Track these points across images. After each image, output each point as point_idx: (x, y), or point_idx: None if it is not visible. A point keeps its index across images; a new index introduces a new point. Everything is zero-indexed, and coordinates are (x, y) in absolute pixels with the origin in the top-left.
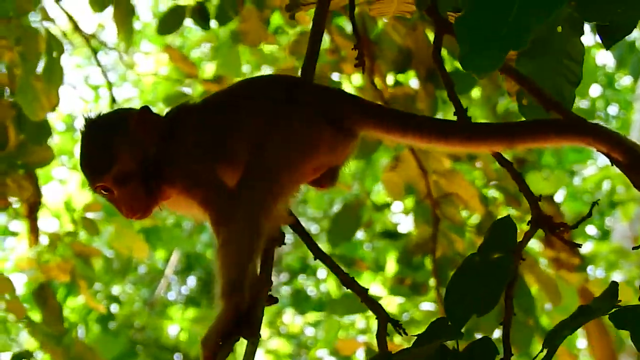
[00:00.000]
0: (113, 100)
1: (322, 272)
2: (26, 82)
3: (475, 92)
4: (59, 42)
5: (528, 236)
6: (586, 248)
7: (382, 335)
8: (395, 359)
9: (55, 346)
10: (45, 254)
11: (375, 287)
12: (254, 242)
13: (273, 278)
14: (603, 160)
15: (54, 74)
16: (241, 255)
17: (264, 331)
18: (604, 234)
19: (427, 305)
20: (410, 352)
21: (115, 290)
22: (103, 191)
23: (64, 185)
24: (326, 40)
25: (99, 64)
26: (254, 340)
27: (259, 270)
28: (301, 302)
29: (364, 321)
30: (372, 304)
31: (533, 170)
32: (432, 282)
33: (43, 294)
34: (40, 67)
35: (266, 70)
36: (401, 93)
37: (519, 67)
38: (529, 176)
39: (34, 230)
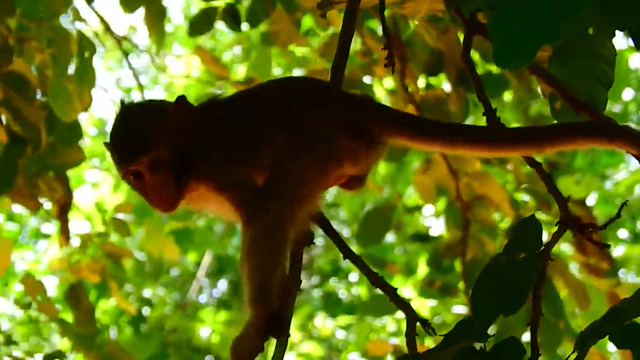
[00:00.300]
0: None
1: (354, 275)
2: (57, 84)
3: (507, 96)
4: (90, 43)
5: (556, 237)
6: (618, 251)
7: (411, 334)
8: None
9: (88, 346)
10: (75, 255)
11: (406, 290)
12: (281, 246)
13: (304, 281)
14: (636, 163)
15: (86, 75)
16: (268, 259)
17: (296, 334)
18: (636, 237)
19: (459, 308)
20: (437, 352)
21: (147, 292)
22: (133, 177)
23: (96, 189)
24: (358, 42)
25: (130, 67)
26: (283, 340)
27: (287, 271)
28: (332, 305)
29: (394, 324)
30: (401, 303)
31: (565, 173)
32: (461, 285)
33: (75, 294)
34: (71, 69)
35: (297, 73)
36: (432, 96)
37: (549, 69)
38: (560, 180)
39: (65, 231)
